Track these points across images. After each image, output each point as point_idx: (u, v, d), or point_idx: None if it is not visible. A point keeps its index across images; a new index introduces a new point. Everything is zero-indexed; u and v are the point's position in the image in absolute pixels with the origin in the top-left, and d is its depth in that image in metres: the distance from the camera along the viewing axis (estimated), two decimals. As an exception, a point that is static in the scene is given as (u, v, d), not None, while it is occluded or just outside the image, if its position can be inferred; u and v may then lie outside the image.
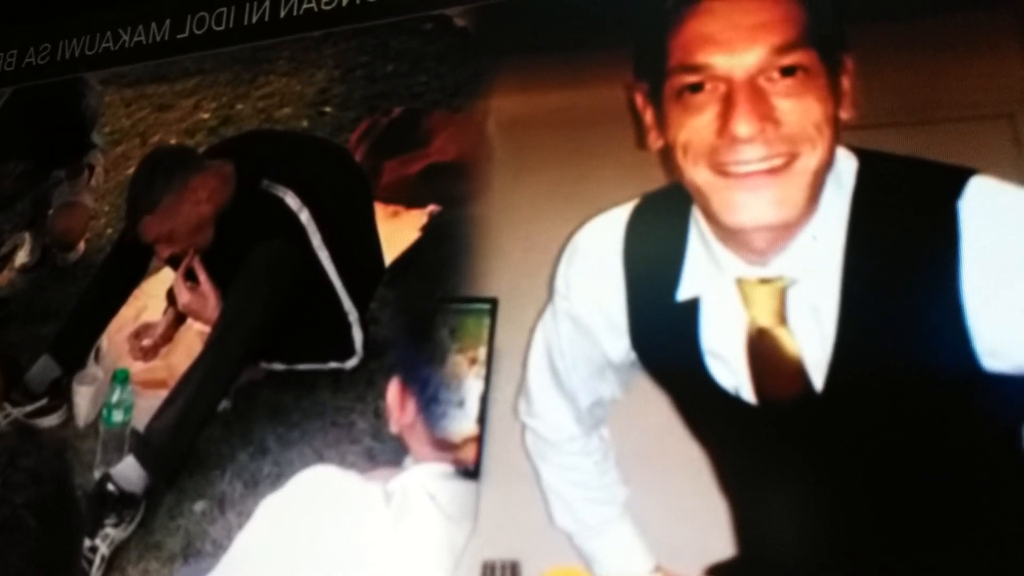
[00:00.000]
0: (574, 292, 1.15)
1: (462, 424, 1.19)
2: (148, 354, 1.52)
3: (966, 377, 0.93)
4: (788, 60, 1.00)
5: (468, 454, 1.17)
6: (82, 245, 1.72)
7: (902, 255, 0.97)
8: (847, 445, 0.98)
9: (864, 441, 0.97)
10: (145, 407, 1.44)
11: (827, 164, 1.00)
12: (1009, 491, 0.93)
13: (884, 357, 0.96)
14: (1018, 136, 1.03)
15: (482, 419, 1.18)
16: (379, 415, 1.27)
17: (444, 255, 1.31)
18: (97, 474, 1.41)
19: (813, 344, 0.99)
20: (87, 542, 1.33)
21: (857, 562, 0.95)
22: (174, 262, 1.51)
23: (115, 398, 1.46)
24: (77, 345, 1.58)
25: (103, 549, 1.34)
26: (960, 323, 0.93)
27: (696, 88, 1.02)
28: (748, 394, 1.02)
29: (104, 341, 1.57)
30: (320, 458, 1.28)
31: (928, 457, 0.95)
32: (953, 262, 0.94)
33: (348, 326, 1.39)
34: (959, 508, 0.94)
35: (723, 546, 1.01)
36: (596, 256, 1.14)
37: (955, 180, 0.97)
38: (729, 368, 1.03)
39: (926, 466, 0.95)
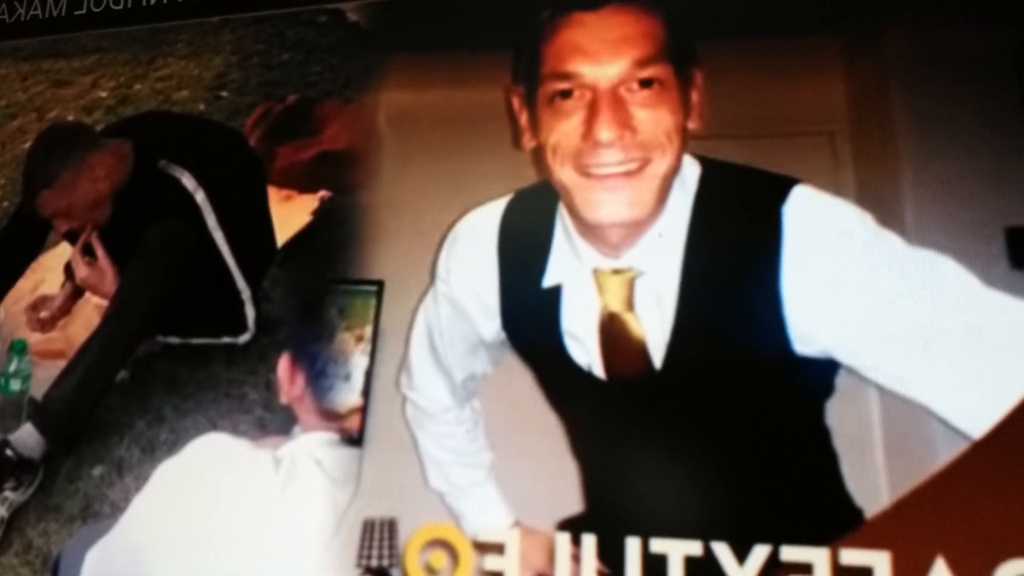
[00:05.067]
0: (453, 277, 1.24)
1: (348, 396, 1.25)
2: (46, 326, 1.54)
3: (781, 359, 1.06)
4: (646, 73, 1.11)
5: (352, 423, 1.23)
6: (-23, 218, 1.72)
7: (733, 252, 1.09)
8: (681, 416, 1.10)
9: (696, 413, 1.10)
10: (43, 377, 1.46)
11: (675, 169, 1.12)
12: (814, 455, 1.07)
13: (714, 341, 1.09)
14: (836, 151, 1.15)
15: (366, 392, 1.24)
16: (270, 387, 1.32)
17: (334, 239, 1.35)
18: (-5, 441, 1.44)
19: (655, 328, 1.11)
20: (-14, 505, 1.37)
21: (686, 515, 1.07)
22: (72, 237, 1.52)
23: (13, 367, 1.49)
24: (-27, 316, 1.59)
25: (2, 511, 1.38)
26: (778, 313, 1.06)
27: (566, 95, 1.12)
28: (599, 370, 1.13)
29: (1, 312, 1.58)
30: (214, 427, 1.33)
31: (749, 427, 1.08)
32: (775, 260, 1.07)
33: (241, 303, 1.43)
34: (771, 469, 1.07)
35: (573, 503, 1.11)
36: (474, 245, 1.23)
37: (781, 188, 1.09)
38: (584, 348, 1.14)
39: (746, 434, 1.08)
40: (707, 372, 1.09)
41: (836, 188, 1.12)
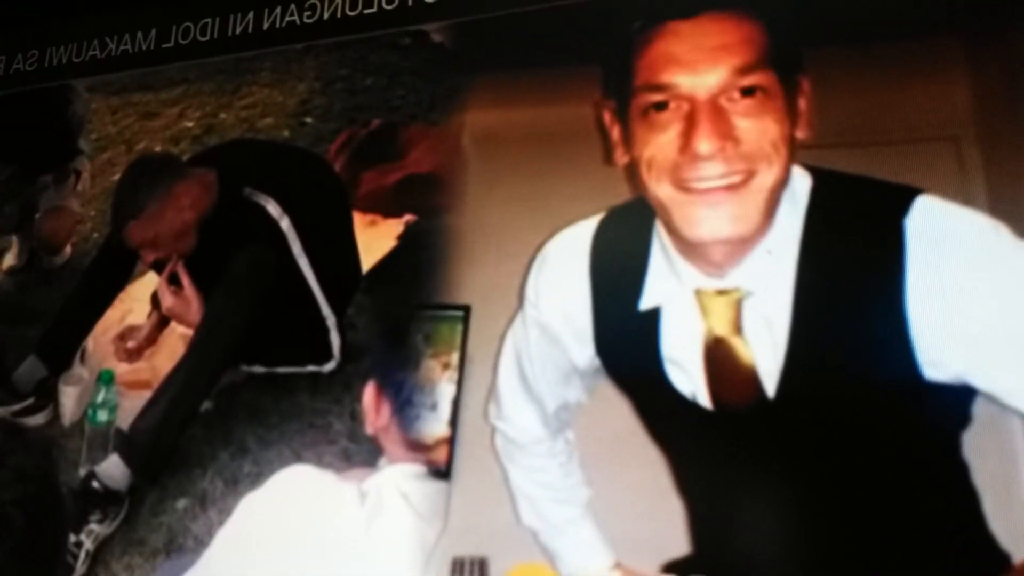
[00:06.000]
0: (543, 301, 1.18)
1: (434, 426, 1.22)
2: (133, 356, 1.55)
3: (909, 386, 0.97)
4: (748, 81, 1.03)
5: (440, 455, 1.20)
6: (68, 249, 1.75)
7: (851, 270, 1.01)
8: (797, 449, 1.02)
9: (813, 446, 1.02)
10: (129, 407, 1.47)
11: (783, 181, 1.04)
12: (950, 492, 0.98)
13: (833, 366, 1.01)
14: (962, 158, 1.07)
15: (454, 422, 1.21)
16: (355, 417, 1.31)
17: (419, 263, 1.34)
18: (82, 472, 1.44)
19: (766, 353, 1.03)
20: (72, 537, 1.36)
21: (805, 559, 1.00)
22: (158, 267, 1.53)
23: (100, 398, 1.50)
24: (63, 346, 1.61)
25: (88, 544, 1.38)
26: (904, 335, 0.97)
27: (661, 107, 1.06)
28: (705, 400, 1.06)
29: (89, 343, 1.60)
30: (298, 458, 1.32)
31: (873, 461, 1.00)
32: (899, 277, 0.98)
33: (326, 331, 1.42)
34: (901, 508, 0.98)
35: (679, 544, 1.06)
36: (564, 266, 1.18)
37: (902, 199, 1.00)
38: (687, 375, 1.07)
39: (871, 469, 1.00)
40: (826, 401, 1.01)
41: (965, 198, 1.04)
